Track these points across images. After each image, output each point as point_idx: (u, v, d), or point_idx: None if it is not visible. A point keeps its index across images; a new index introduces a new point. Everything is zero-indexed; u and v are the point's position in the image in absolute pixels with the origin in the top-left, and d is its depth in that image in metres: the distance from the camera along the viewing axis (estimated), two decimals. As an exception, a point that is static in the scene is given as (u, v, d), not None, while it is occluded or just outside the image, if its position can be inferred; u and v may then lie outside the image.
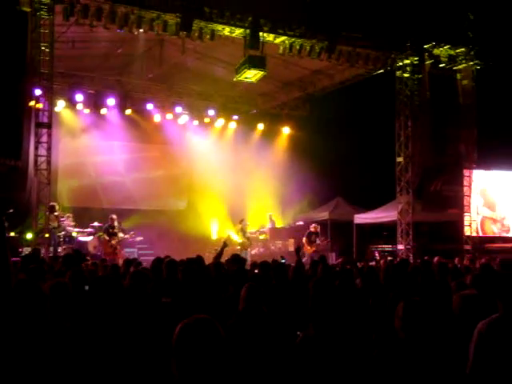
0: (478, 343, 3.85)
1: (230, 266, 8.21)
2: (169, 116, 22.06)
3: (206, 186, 22.13)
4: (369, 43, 17.84)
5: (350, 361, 3.77)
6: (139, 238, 18.49)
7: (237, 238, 19.50)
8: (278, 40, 16.80)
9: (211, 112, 22.59)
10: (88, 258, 14.16)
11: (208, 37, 15.96)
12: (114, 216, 17.35)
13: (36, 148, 14.72)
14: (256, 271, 8.37)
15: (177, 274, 6.85)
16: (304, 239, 18.54)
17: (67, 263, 7.85)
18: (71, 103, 19.86)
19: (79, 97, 19.64)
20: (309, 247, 18.27)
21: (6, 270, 3.14)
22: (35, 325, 3.10)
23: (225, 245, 9.47)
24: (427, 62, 18.58)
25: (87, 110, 20.53)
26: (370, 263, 14.68)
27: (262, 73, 16.27)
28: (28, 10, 13.80)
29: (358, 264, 12.39)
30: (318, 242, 18.62)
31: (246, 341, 3.21)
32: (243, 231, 19.28)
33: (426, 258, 13.04)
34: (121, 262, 13.55)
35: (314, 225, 19.11)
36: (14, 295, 3.10)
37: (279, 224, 21.87)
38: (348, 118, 21.37)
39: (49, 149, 14.86)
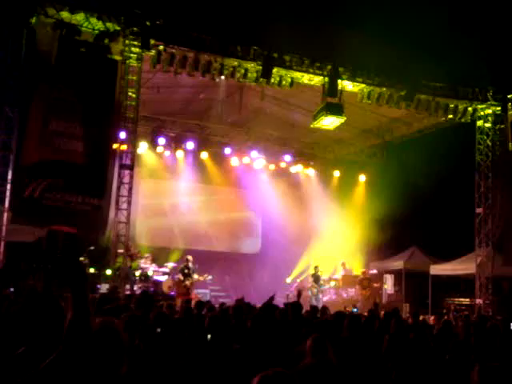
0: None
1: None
2: (245, 160, 22.43)
3: (280, 232, 22.21)
4: (449, 92, 17.66)
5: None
6: (209, 277, 18.64)
7: (309, 285, 19.43)
8: (357, 88, 16.90)
9: (287, 157, 22.80)
10: (160, 298, 14.49)
11: (287, 84, 16.26)
12: (190, 257, 17.67)
13: (118, 188, 15.29)
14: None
15: (246, 321, 6.89)
16: (357, 286, 19.37)
17: (140, 304, 8.02)
18: (153, 145, 20.61)
19: (161, 140, 20.38)
20: (363, 292, 18.83)
21: (86, 313, 3.24)
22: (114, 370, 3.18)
23: (299, 293, 9.46)
24: (510, 112, 18.14)
25: (168, 153, 21.23)
26: (446, 317, 14.21)
27: (339, 120, 16.34)
28: (119, 58, 14.57)
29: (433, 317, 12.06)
30: (374, 285, 19.40)
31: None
32: (317, 278, 19.20)
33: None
34: (193, 303, 13.74)
35: (363, 270, 19.95)
36: (95, 338, 3.19)
37: (356, 272, 21.50)
38: (426, 166, 21.04)
39: (130, 189, 15.39)
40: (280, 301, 13.39)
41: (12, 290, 9.96)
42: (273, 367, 2.70)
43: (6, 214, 13.90)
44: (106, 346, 3.13)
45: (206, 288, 19.43)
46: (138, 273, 16.89)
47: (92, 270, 16.17)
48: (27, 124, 13.88)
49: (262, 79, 15.94)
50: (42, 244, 16.42)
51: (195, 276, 17.47)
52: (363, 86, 16.86)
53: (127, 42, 14.63)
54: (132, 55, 14.81)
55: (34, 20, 13.55)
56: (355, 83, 16.76)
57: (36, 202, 13.38)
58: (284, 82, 16.24)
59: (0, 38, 13.73)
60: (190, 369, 4.76)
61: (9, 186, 13.95)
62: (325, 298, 19.88)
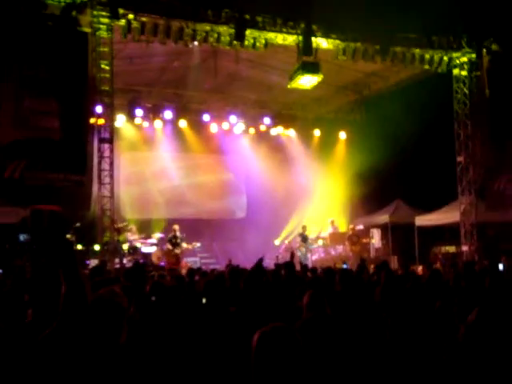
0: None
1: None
2: (225, 125, 22.28)
3: (265, 195, 22.27)
4: (424, 43, 17.58)
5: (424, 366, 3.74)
6: (198, 245, 18.69)
7: (298, 245, 19.58)
8: (331, 45, 16.77)
9: (267, 120, 22.69)
10: (151, 269, 14.52)
11: (261, 46, 16.09)
12: (177, 226, 17.70)
13: (99, 163, 15.18)
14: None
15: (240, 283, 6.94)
16: (346, 242, 19.59)
17: (132, 275, 8.02)
18: (131, 117, 20.38)
19: (138, 111, 20.14)
20: (353, 248, 19.17)
21: (80, 285, 3.24)
22: (114, 342, 3.20)
23: (292, 255, 9.51)
24: (485, 59, 18.15)
25: (146, 124, 21.03)
26: (435, 266, 14.46)
27: (316, 78, 16.26)
28: (88, 30, 14.27)
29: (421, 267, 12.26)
30: (363, 240, 20.02)
31: (317, 348, 3.26)
32: (304, 237, 19.36)
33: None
34: (184, 271, 13.80)
35: (351, 226, 20.12)
36: (93, 310, 3.19)
37: (342, 229, 21.70)
38: (406, 119, 21.06)
39: (111, 163, 15.29)
40: (270, 263, 13.50)
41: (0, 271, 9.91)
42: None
43: (-14, 197, 13.73)
44: (105, 315, 3.14)
45: (195, 256, 19.52)
46: (125, 246, 16.88)
47: (80, 247, 16.12)
48: (0, 104, 13.64)
49: (235, 42, 15.75)
50: (27, 224, 16.31)
51: (184, 245, 17.53)
52: (338, 42, 16.74)
53: (95, 12, 14.32)
54: (101, 26, 14.53)
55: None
56: (330, 40, 16.63)
57: (17, 182, 13.25)
58: (258, 44, 16.07)
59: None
60: (188, 335, 4.79)
61: (-12, 168, 13.73)
62: (314, 257, 20.08)
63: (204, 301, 5.52)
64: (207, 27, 15.52)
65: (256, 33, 15.92)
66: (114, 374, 3.04)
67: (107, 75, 15.12)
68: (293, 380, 2.50)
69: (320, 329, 3.19)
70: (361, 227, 21.19)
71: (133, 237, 17.49)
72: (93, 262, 14.93)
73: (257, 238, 21.13)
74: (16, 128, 13.54)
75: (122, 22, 14.57)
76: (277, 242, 21.98)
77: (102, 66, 14.93)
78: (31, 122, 13.66)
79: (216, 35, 15.65)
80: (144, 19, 14.78)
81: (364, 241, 20.25)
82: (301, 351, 2.57)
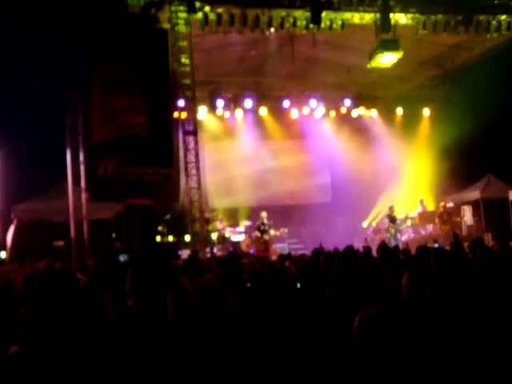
0: None
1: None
2: (305, 110, 22.15)
3: (350, 177, 22.05)
4: (510, 8, 16.75)
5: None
6: (285, 230, 18.80)
7: (386, 226, 19.30)
8: (411, 20, 16.31)
9: (347, 102, 22.38)
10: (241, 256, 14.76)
11: (338, 27, 15.88)
12: (264, 213, 17.86)
13: (185, 155, 15.55)
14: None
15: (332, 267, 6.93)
16: (437, 221, 18.88)
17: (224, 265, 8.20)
18: (212, 109, 20.68)
19: (219, 102, 20.40)
20: (443, 226, 18.46)
21: (184, 292, 3.29)
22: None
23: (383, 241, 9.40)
24: None
25: (227, 114, 21.27)
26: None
27: (396, 56, 15.88)
28: (167, 26, 14.62)
29: None
30: (454, 219, 19.21)
31: (419, 329, 3.23)
32: (392, 218, 19.03)
33: None
34: (273, 258, 13.95)
35: (442, 203, 19.38)
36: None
37: (431, 208, 21.12)
38: (493, 90, 20.19)
39: (196, 155, 15.62)
40: (359, 246, 13.40)
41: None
42: (368, 307, 2.71)
43: (83, 195, 14.39)
44: (209, 303, 3.23)
45: (284, 242, 19.64)
46: (215, 235, 17.22)
47: (171, 238, 16.60)
48: (89, 104, 14.23)
49: (312, 26, 15.62)
50: (121, 219, 17.01)
51: (272, 231, 17.68)
52: (417, 16, 16.26)
53: (173, 8, 14.66)
54: (180, 21, 14.83)
55: None
56: (409, 14, 16.19)
57: (109, 178, 13.82)
58: (335, 26, 15.87)
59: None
60: (285, 320, 4.86)
61: (82, 167, 14.39)
62: (403, 238, 19.70)
63: (298, 286, 5.58)
64: (283, 13, 15.48)
65: (332, 14, 15.72)
66: (220, 363, 3.12)
67: (187, 69, 15.42)
68: (396, 363, 2.50)
69: (422, 310, 3.15)
70: (451, 205, 20.57)
71: (221, 226, 17.81)
72: (184, 253, 15.34)
73: (344, 221, 20.98)
74: (105, 126, 14.11)
75: (199, 15, 14.79)
76: (364, 225, 21.72)
77: (182, 60, 15.24)
78: (119, 120, 14.18)
79: (292, 20, 15.59)
80: (220, 10, 14.94)
81: (455, 219, 19.63)
82: (403, 333, 2.55)
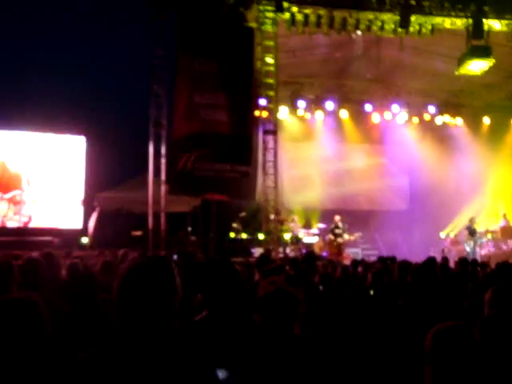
0: None
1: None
2: (387, 115, 21.76)
3: (431, 186, 21.51)
4: None
5: None
6: (359, 235, 18.55)
7: (465, 238, 18.71)
8: (505, 26, 15.73)
9: (432, 109, 21.83)
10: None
11: (428, 32, 15.54)
12: (338, 217, 17.71)
13: (263, 154, 15.65)
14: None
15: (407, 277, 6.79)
16: None
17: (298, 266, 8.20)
18: (293, 109, 20.69)
19: (301, 103, 20.40)
20: None
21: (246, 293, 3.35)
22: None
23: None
24: None
25: (308, 115, 21.22)
26: None
27: (487, 63, 15.37)
28: (254, 25, 14.76)
29: None
30: None
31: (501, 347, 3.09)
32: (472, 230, 18.42)
33: None
34: (346, 262, 13.81)
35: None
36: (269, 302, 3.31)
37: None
38: None
39: (275, 154, 15.69)
40: (436, 256, 13.04)
41: (175, 257, 10.61)
42: (441, 322, 2.63)
43: (163, 187, 14.73)
44: (280, 307, 3.25)
45: (357, 247, 19.40)
46: (288, 235, 17.22)
47: (244, 235, 16.74)
48: (174, 99, 14.55)
49: (400, 30, 15.38)
50: (197, 213, 17.32)
51: (346, 235, 17.51)
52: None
53: (261, 7, 14.78)
54: (267, 20, 14.94)
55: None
56: (503, 21, 15.65)
57: (189, 173, 14.09)
58: (424, 30, 15.56)
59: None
60: (356, 326, 4.80)
61: (163, 160, 14.72)
62: (482, 252, 19.02)
63: (371, 293, 5.50)
64: (371, 16, 15.30)
65: (422, 18, 15.41)
66: (290, 366, 3.12)
67: (271, 68, 15.50)
68: (471, 381, 2.41)
69: (505, 327, 3.02)
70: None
71: (295, 227, 17.79)
72: (257, 251, 15.43)
73: (421, 230, 20.47)
74: (188, 122, 14.38)
75: (287, 15, 14.85)
76: (442, 235, 21.12)
77: (267, 59, 15.33)
78: (202, 116, 14.43)
79: (380, 23, 15.39)
80: (307, 11, 14.94)
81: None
82: (479, 351, 2.46)
